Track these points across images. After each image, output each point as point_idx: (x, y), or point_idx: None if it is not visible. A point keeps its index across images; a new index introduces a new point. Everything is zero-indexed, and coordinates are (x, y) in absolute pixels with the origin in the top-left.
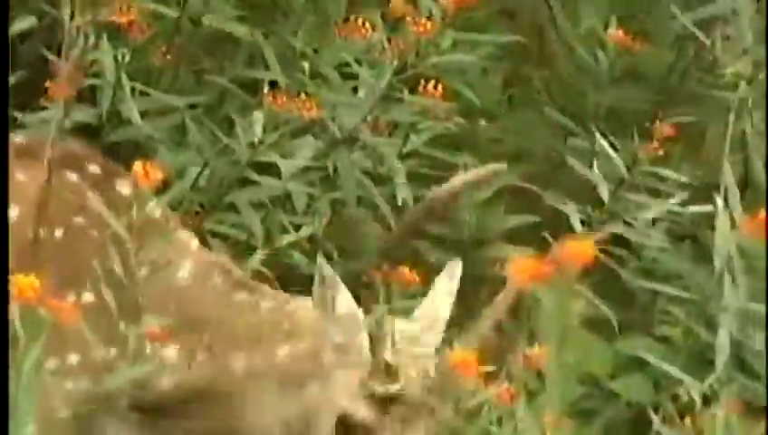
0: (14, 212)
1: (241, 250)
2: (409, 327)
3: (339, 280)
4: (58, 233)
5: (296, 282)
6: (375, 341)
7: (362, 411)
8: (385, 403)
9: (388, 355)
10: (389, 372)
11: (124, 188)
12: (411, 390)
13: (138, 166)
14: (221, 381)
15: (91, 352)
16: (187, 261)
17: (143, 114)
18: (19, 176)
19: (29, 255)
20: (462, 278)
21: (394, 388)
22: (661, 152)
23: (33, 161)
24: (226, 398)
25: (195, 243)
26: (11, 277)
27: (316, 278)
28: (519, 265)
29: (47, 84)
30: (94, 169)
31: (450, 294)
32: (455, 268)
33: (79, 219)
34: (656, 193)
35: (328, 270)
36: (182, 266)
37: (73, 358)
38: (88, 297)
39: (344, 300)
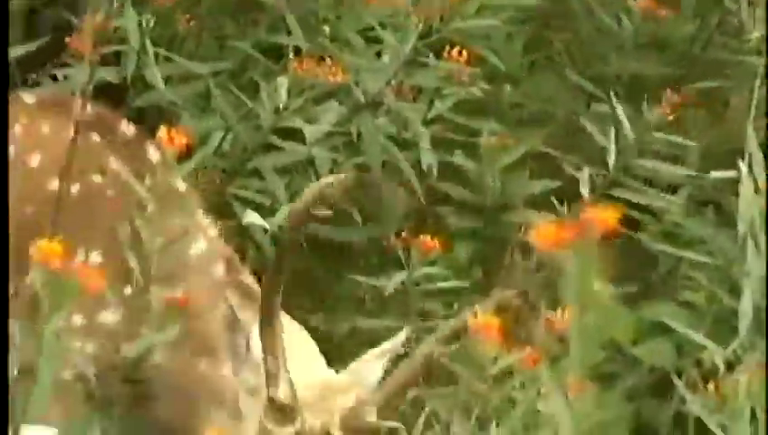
0: (34, 160)
1: (264, 215)
2: (331, 378)
3: (251, 322)
4: (74, 189)
5: (320, 246)
6: (268, 378)
7: None
8: None
9: (280, 394)
10: (281, 413)
11: (150, 153)
12: (311, 433)
13: (162, 131)
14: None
15: (98, 315)
16: (202, 242)
17: (167, 80)
18: (44, 128)
19: (45, 206)
20: (484, 242)
21: (286, 431)
22: (672, 118)
23: (59, 116)
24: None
25: (213, 231)
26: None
27: (226, 324)
28: (542, 231)
29: (68, 39)
30: (122, 132)
31: (385, 357)
32: (399, 338)
33: (97, 179)
34: (675, 160)
35: (238, 314)
36: (196, 246)
37: (77, 319)
38: (96, 258)
39: (257, 342)
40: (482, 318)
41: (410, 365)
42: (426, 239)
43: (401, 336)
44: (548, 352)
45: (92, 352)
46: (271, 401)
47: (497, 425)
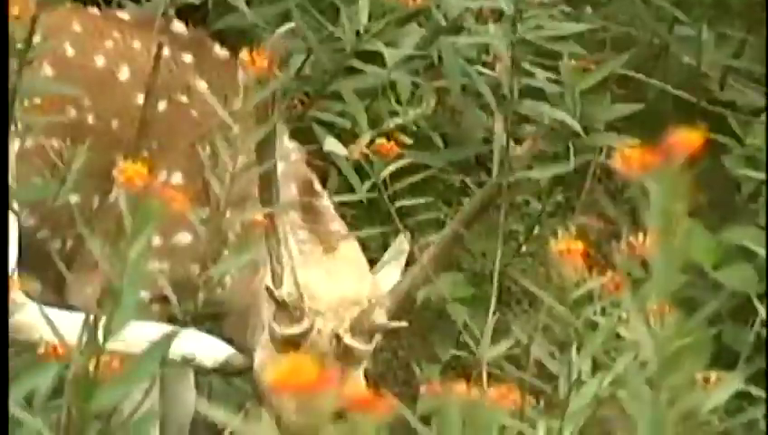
0: (123, 74)
1: (346, 139)
2: (350, 289)
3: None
4: (161, 106)
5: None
6: (273, 278)
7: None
8: (290, 345)
9: (284, 294)
10: (286, 313)
11: (240, 76)
12: (319, 335)
13: (244, 53)
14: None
15: (174, 236)
16: (280, 165)
17: (249, 2)
18: (135, 44)
19: (130, 121)
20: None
21: (291, 330)
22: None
23: (149, 34)
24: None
25: (296, 154)
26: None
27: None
28: (625, 155)
29: None
30: (215, 54)
31: (399, 264)
32: (402, 244)
33: (183, 98)
34: (758, 83)
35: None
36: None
37: (155, 240)
38: (177, 178)
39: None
40: (564, 242)
41: (417, 269)
42: None
43: (402, 242)
44: (630, 276)
45: (168, 272)
46: (276, 301)
47: (578, 350)
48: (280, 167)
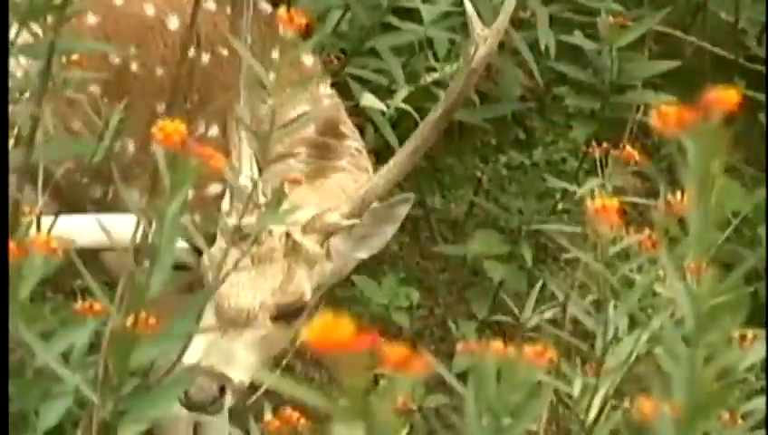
0: (172, 23)
1: (382, 95)
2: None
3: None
4: (204, 59)
5: None
6: (232, 169)
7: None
8: (239, 238)
9: (240, 184)
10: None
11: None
12: (269, 233)
13: (281, 10)
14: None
15: (207, 188)
16: (308, 105)
17: None
18: None
19: (174, 70)
20: (602, 123)
21: (245, 221)
22: None
23: None
24: None
25: (329, 100)
26: (158, 121)
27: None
28: (662, 112)
29: None
30: (260, 8)
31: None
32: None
33: (224, 51)
34: None
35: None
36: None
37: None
38: (214, 131)
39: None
40: (600, 199)
41: (375, 177)
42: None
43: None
44: (667, 234)
45: (199, 223)
46: (232, 191)
47: (614, 307)
48: (305, 108)
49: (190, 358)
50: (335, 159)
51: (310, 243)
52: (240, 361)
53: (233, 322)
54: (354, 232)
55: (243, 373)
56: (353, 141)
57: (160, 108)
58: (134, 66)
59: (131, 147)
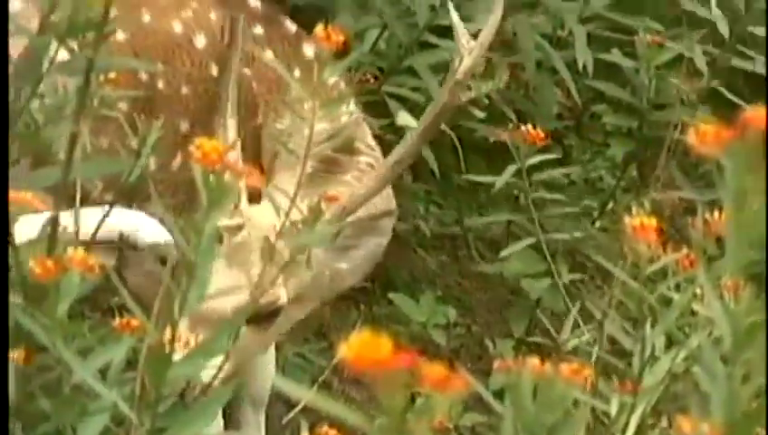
0: (200, 41)
1: (420, 113)
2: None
3: None
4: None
5: (475, 145)
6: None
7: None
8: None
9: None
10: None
11: (304, 50)
12: (248, 235)
13: (319, 29)
14: None
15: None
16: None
17: None
18: (212, 15)
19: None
20: (640, 141)
21: (225, 221)
22: None
23: (226, 7)
24: None
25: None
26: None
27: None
28: (699, 130)
29: None
30: (285, 28)
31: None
32: None
33: (246, 70)
34: None
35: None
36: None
37: None
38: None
39: None
40: (638, 218)
41: (363, 183)
42: (528, 129)
43: None
44: (704, 252)
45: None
46: None
47: (652, 326)
48: (324, 126)
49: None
50: (340, 174)
51: (289, 250)
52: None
53: (203, 321)
54: (336, 242)
55: (208, 374)
56: (367, 157)
57: (184, 126)
58: (160, 84)
59: (153, 165)
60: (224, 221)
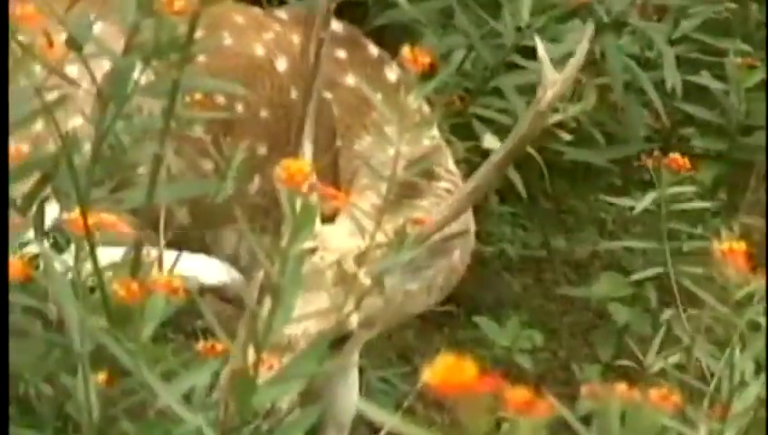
0: (281, 64)
1: (506, 135)
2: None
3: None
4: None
5: (562, 168)
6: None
7: None
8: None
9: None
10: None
11: (386, 74)
12: (320, 259)
13: (406, 50)
14: None
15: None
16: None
17: None
18: (294, 39)
19: (279, 113)
20: (729, 164)
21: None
22: None
23: (307, 31)
24: None
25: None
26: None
27: None
28: None
29: None
30: (368, 52)
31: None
32: None
33: (328, 94)
34: None
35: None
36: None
37: None
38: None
39: None
40: (727, 242)
41: (445, 207)
42: (676, 158)
43: None
44: None
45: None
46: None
47: (741, 351)
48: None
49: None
50: (417, 199)
51: (361, 274)
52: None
53: (272, 347)
54: (408, 265)
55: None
56: (446, 183)
57: (262, 150)
58: (239, 107)
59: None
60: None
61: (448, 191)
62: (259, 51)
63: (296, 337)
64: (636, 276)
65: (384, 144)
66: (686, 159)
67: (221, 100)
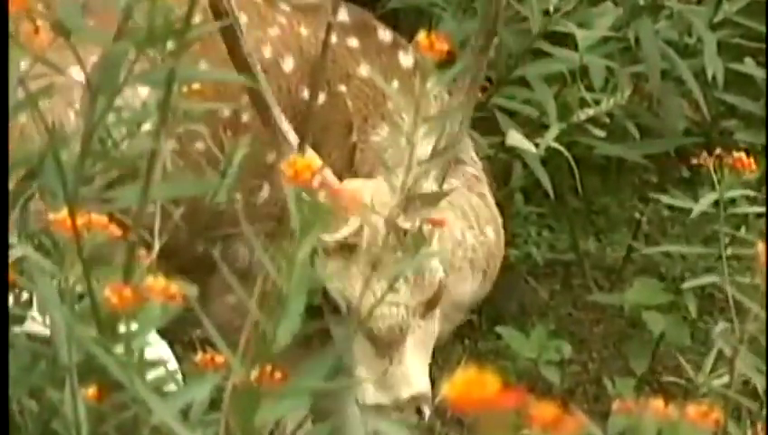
0: (287, 64)
1: (532, 129)
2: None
3: None
4: (320, 99)
5: (592, 163)
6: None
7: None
8: (345, 250)
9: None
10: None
11: (400, 60)
12: (371, 230)
13: (422, 36)
14: None
15: None
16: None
17: None
18: (303, 31)
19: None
20: None
21: (345, 232)
22: None
23: (317, 19)
24: None
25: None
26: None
27: None
28: None
29: None
30: (380, 38)
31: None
32: None
33: (341, 87)
34: None
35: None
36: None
37: None
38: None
39: None
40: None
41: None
42: (740, 156)
43: None
44: None
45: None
46: None
47: None
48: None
49: (370, 401)
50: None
51: (414, 222)
52: (415, 372)
53: (389, 343)
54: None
55: (423, 380)
56: (471, 168)
57: (270, 157)
58: (245, 117)
59: (237, 195)
60: (339, 234)
61: (475, 177)
62: (266, 53)
63: (404, 321)
64: (686, 285)
65: (402, 135)
66: (751, 159)
67: (227, 114)
